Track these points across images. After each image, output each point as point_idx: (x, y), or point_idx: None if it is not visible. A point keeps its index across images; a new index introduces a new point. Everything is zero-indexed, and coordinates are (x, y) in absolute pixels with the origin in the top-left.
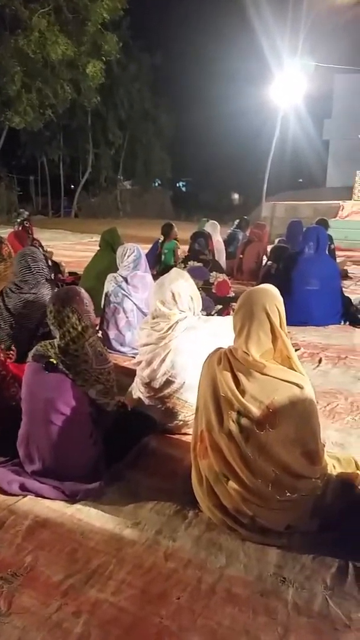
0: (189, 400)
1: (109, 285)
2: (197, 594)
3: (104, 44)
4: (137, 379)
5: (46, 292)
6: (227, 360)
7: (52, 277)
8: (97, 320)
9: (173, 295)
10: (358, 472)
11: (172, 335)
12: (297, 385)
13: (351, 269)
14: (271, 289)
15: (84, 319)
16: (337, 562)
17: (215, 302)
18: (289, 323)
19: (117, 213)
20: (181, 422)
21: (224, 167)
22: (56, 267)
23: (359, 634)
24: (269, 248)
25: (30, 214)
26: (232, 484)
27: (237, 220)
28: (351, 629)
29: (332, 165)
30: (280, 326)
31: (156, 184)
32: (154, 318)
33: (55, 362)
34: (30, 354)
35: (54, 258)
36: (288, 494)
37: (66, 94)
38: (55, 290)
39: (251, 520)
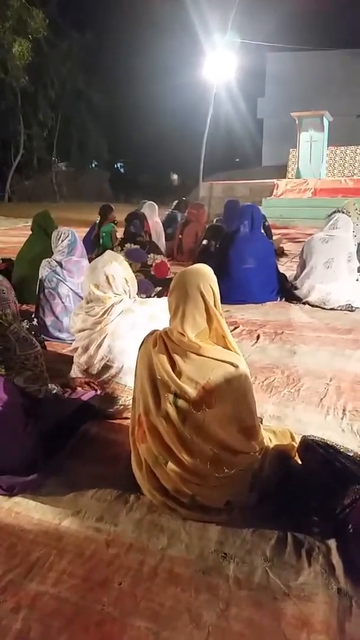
0: (128, 384)
1: (43, 271)
2: (139, 578)
3: (29, 21)
4: (74, 366)
5: None
6: (163, 342)
7: None
8: (33, 308)
9: (107, 278)
10: (293, 443)
11: (108, 319)
12: (231, 364)
13: (287, 246)
14: (205, 269)
15: (2, 306)
16: (277, 533)
17: (155, 284)
18: (228, 301)
19: (53, 196)
20: (121, 407)
21: (161, 147)
22: None
23: (297, 600)
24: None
25: None
26: (171, 465)
27: (176, 202)
28: (290, 596)
29: (267, 144)
30: (215, 306)
31: (93, 165)
32: (88, 302)
33: None
34: None
35: None
36: (226, 470)
37: None
38: None
39: (191, 499)
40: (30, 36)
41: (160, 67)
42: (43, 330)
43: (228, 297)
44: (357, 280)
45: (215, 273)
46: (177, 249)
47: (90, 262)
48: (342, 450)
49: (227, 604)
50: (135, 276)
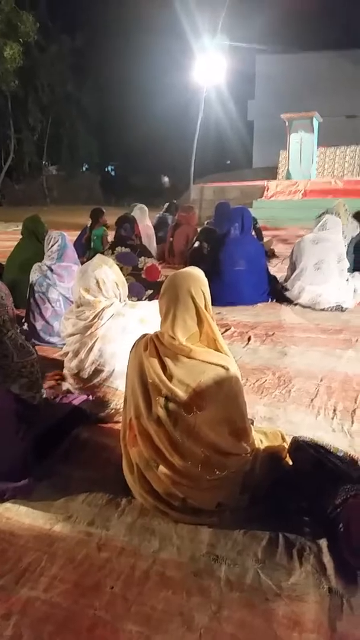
0: (119, 387)
1: (33, 275)
2: (131, 581)
3: (20, 25)
4: (65, 371)
5: None
6: (154, 346)
7: None
8: (23, 313)
9: (97, 282)
10: (284, 444)
11: (99, 323)
12: (222, 366)
13: (277, 248)
14: (195, 272)
15: (0, 313)
16: (268, 534)
17: (146, 287)
18: (220, 303)
19: (44, 200)
20: (113, 411)
21: (152, 150)
22: None
23: (289, 600)
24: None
25: None
26: (162, 468)
27: (166, 204)
28: (281, 596)
29: (257, 146)
30: (206, 308)
31: (84, 169)
32: (78, 307)
33: None
34: None
35: None
36: (217, 472)
37: None
38: None
39: (182, 502)
40: (20, 40)
41: (150, 70)
42: (34, 335)
43: (219, 299)
44: (347, 281)
45: (206, 275)
46: (168, 251)
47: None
48: (332, 450)
49: (219, 606)
50: (126, 279)
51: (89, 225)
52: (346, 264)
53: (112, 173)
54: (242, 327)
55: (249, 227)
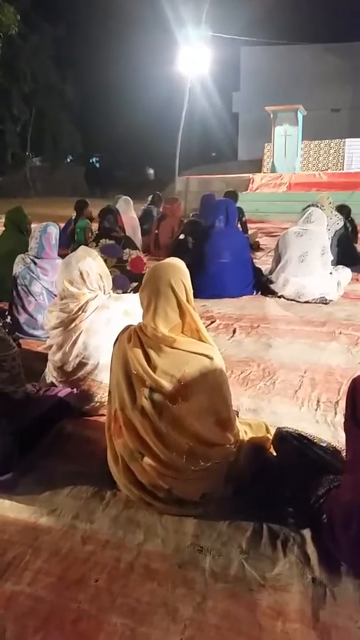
0: (104, 380)
1: (17, 267)
2: (116, 574)
3: (1, 17)
4: (49, 364)
5: None
6: (137, 337)
7: None
8: (7, 305)
9: (81, 274)
10: (268, 435)
11: (83, 315)
12: (206, 356)
13: (262, 240)
14: (176, 263)
15: None
16: (252, 525)
17: (131, 279)
18: (205, 296)
19: (28, 191)
20: (97, 404)
21: (137, 141)
22: None
23: (273, 590)
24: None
25: None
26: (147, 459)
27: (151, 196)
28: (265, 587)
29: (243, 138)
30: (187, 300)
31: (68, 160)
32: (62, 299)
33: None
34: None
35: None
36: (202, 463)
37: None
38: None
39: (167, 493)
40: (0, 34)
41: (133, 60)
42: (17, 328)
43: (204, 291)
44: (331, 273)
45: (191, 268)
46: (153, 244)
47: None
48: (315, 440)
49: (204, 597)
50: (111, 272)
51: (73, 217)
52: (330, 257)
53: (97, 165)
54: (227, 319)
55: (233, 219)
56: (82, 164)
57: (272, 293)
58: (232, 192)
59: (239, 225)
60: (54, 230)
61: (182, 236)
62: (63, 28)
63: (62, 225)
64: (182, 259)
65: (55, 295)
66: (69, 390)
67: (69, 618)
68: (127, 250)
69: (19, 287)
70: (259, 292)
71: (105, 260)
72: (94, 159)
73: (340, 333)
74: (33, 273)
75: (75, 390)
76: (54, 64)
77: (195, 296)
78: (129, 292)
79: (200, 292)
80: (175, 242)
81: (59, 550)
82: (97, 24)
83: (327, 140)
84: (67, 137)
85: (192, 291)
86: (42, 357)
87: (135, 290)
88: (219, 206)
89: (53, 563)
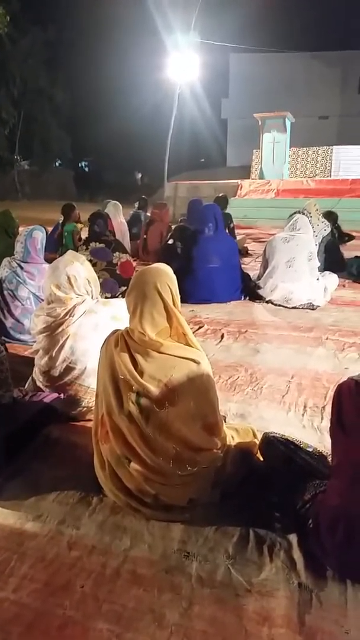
0: (91, 385)
1: (2, 271)
2: (102, 580)
3: None
4: (35, 368)
5: None
6: (124, 342)
7: None
8: None
9: (69, 278)
10: (255, 440)
11: (70, 320)
12: (193, 361)
13: (251, 246)
14: (162, 268)
15: None
16: (239, 530)
17: (120, 283)
18: (193, 301)
19: (16, 195)
20: (84, 409)
21: (126, 146)
22: None
23: (259, 596)
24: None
25: None
26: (134, 465)
27: (137, 202)
28: (252, 592)
29: (232, 145)
30: (174, 304)
31: (57, 164)
32: (49, 303)
33: None
34: None
35: None
36: (189, 468)
37: None
38: None
39: (154, 498)
40: None
41: (123, 65)
42: (4, 332)
43: (193, 296)
44: (318, 279)
45: (179, 273)
46: (142, 249)
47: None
48: (302, 446)
49: (190, 603)
50: (101, 275)
51: (60, 221)
52: (316, 263)
53: (86, 169)
54: (215, 324)
55: (221, 225)
56: (71, 168)
57: (260, 298)
58: (223, 198)
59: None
60: (39, 235)
61: (170, 241)
62: (53, 32)
63: (51, 229)
64: (170, 264)
65: (42, 300)
66: (55, 395)
67: (54, 624)
68: (116, 253)
69: (5, 292)
70: (247, 298)
71: (94, 264)
72: (83, 163)
73: (327, 338)
74: (19, 277)
75: (62, 395)
76: (44, 68)
77: (184, 301)
78: (118, 296)
79: (189, 297)
80: (164, 247)
81: (44, 556)
82: (87, 29)
83: (315, 147)
84: (55, 141)
85: (179, 296)
86: (29, 362)
87: (124, 295)
88: (207, 213)
89: (39, 569)
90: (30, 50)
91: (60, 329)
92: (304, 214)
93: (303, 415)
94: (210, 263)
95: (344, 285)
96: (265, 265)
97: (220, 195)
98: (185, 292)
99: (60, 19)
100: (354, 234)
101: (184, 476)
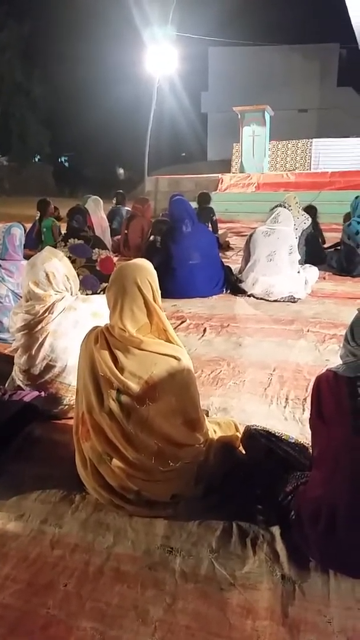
0: (72, 383)
1: None
2: (85, 578)
3: None
4: (15, 367)
5: None
6: (104, 339)
7: None
8: None
9: (47, 275)
10: (238, 434)
11: (49, 317)
12: (174, 357)
13: (232, 240)
14: (142, 263)
15: None
16: (222, 524)
17: (100, 279)
18: (176, 297)
19: None
20: (66, 407)
21: (106, 141)
22: None
23: (243, 589)
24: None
25: None
26: (115, 462)
27: (115, 198)
28: (235, 585)
29: (212, 139)
30: (154, 300)
31: (36, 159)
32: (27, 301)
33: None
34: None
35: None
36: (171, 464)
37: None
38: None
39: (137, 495)
40: None
41: (101, 59)
42: None
43: (175, 292)
44: (299, 272)
45: (161, 268)
46: (123, 244)
47: None
48: (283, 437)
49: (174, 598)
50: (80, 272)
51: (37, 218)
52: (297, 256)
53: (66, 164)
54: (197, 319)
55: (195, 217)
56: (51, 163)
57: (242, 292)
58: (205, 194)
59: (209, 225)
60: (18, 232)
61: (152, 237)
62: (29, 26)
63: (30, 225)
64: (152, 259)
65: (21, 297)
66: (36, 393)
67: (38, 624)
68: (96, 250)
69: None
70: (229, 291)
71: (74, 261)
72: (62, 158)
73: (308, 331)
74: None
75: (42, 393)
76: (20, 62)
77: (165, 297)
78: (99, 293)
79: (171, 293)
80: (147, 244)
81: (27, 555)
82: (63, 22)
83: (295, 141)
84: (34, 136)
85: (159, 291)
86: (8, 360)
87: (104, 291)
88: (180, 210)
89: (21, 569)
90: (6, 44)
91: (39, 327)
92: (284, 207)
93: (285, 407)
94: (190, 260)
95: (324, 278)
96: (246, 258)
97: (203, 192)
98: (167, 288)
99: (36, 12)
100: (333, 225)
101: (166, 472)
